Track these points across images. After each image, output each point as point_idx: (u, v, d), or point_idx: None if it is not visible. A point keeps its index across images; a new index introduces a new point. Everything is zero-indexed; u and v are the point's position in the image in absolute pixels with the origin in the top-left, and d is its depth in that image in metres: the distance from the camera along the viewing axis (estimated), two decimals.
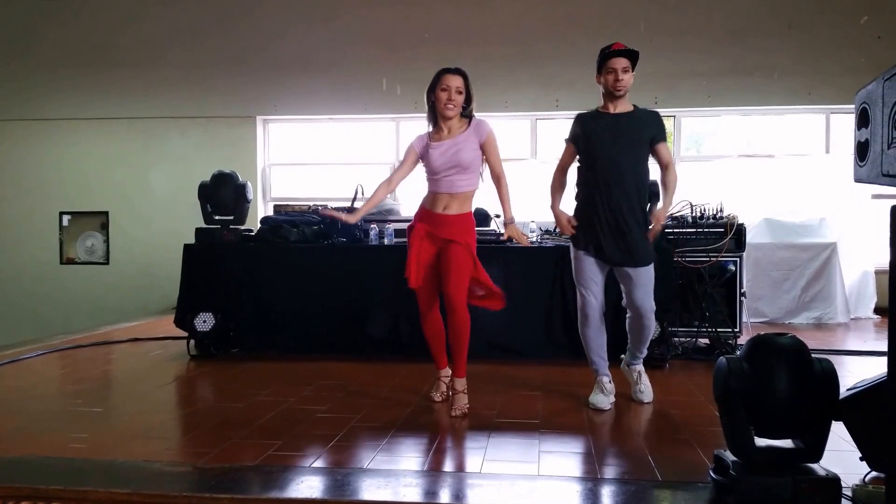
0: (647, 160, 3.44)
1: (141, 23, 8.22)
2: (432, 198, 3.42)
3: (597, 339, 3.52)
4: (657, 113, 3.48)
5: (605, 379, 3.52)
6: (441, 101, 3.33)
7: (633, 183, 3.36)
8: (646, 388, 3.59)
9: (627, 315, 3.55)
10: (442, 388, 3.57)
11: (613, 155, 3.34)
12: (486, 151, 3.38)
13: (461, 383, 3.40)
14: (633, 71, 3.38)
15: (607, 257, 3.39)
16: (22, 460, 2.64)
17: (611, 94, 3.39)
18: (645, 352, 3.64)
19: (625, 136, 3.35)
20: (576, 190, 3.53)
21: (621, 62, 3.33)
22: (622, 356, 3.78)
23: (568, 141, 3.53)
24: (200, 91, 8.21)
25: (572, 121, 3.54)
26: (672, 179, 3.39)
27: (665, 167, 3.41)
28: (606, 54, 3.37)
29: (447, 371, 3.57)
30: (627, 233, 3.34)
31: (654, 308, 3.47)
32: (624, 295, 3.50)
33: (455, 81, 3.34)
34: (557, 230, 3.45)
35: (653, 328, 3.54)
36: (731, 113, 7.93)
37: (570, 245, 3.51)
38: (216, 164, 5.54)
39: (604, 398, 3.46)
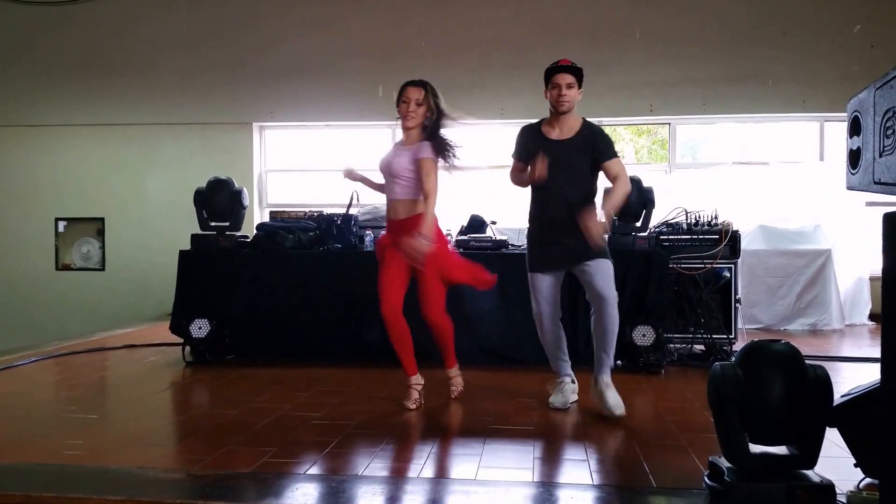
0: (596, 176, 3.50)
1: (137, 30, 8.24)
2: (387, 206, 3.62)
3: (555, 341, 3.59)
4: (601, 131, 3.49)
5: (568, 379, 3.61)
6: (401, 113, 3.50)
7: (580, 202, 3.38)
8: (615, 401, 3.34)
9: (592, 313, 3.46)
10: (414, 395, 3.55)
11: (560, 183, 3.39)
12: (420, 171, 3.44)
13: (454, 371, 3.67)
14: (579, 88, 3.43)
15: (563, 265, 3.48)
16: (15, 467, 2.63)
17: (555, 110, 3.45)
18: (612, 355, 3.47)
19: (571, 167, 3.40)
20: (529, 203, 3.60)
21: (566, 78, 3.40)
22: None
23: (514, 158, 3.60)
24: (197, 97, 8.22)
25: (519, 134, 3.62)
26: (620, 188, 3.37)
27: (614, 180, 3.39)
28: (551, 69, 3.45)
29: (418, 378, 3.59)
30: (577, 235, 3.26)
31: (617, 298, 3.42)
32: (587, 291, 3.47)
33: (414, 94, 3.47)
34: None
35: (617, 320, 3.40)
36: (726, 120, 7.97)
37: (527, 263, 3.57)
38: (212, 171, 5.53)
39: (563, 398, 3.54)
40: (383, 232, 3.77)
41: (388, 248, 3.56)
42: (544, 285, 3.51)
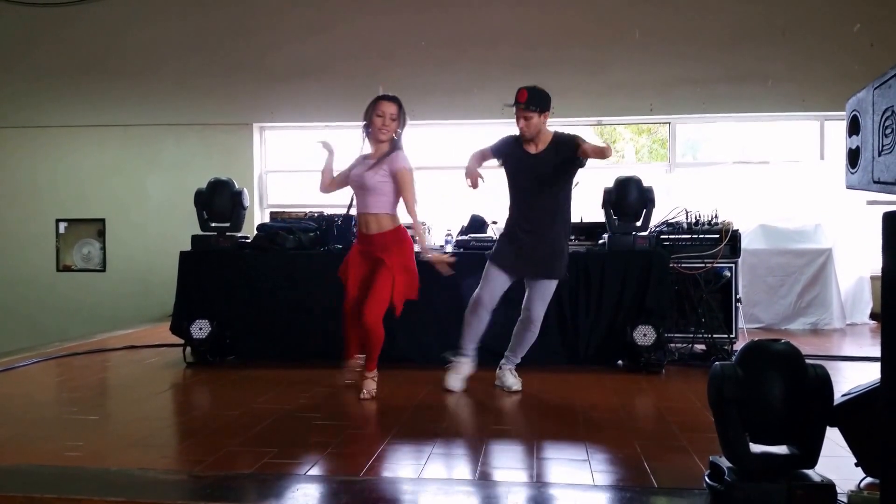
0: (570, 184, 3.81)
1: (138, 31, 8.23)
2: (359, 217, 3.78)
3: (479, 326, 3.83)
4: (563, 136, 3.76)
5: (467, 361, 3.88)
6: (376, 126, 3.64)
7: (551, 215, 3.76)
8: (513, 381, 3.89)
9: (520, 318, 3.90)
10: (351, 374, 3.88)
11: (535, 192, 3.74)
12: (398, 184, 3.63)
13: (372, 374, 3.76)
14: (544, 112, 3.68)
15: (521, 273, 3.80)
16: (16, 468, 2.63)
17: (523, 138, 3.74)
18: (520, 357, 3.97)
19: (544, 177, 3.71)
20: (509, 205, 3.91)
21: (524, 113, 3.66)
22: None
23: (487, 147, 3.90)
24: (197, 98, 8.22)
25: (501, 139, 3.89)
26: (597, 147, 3.62)
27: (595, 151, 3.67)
28: (515, 102, 3.69)
29: (358, 360, 3.86)
30: (542, 251, 3.73)
31: (541, 320, 3.85)
32: (525, 301, 3.86)
33: (390, 108, 3.64)
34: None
35: (535, 337, 3.89)
36: (726, 120, 7.97)
37: (489, 254, 3.89)
38: (213, 172, 5.54)
39: (458, 379, 3.84)
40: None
41: (359, 257, 3.77)
42: (497, 280, 3.79)
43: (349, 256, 3.84)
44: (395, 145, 3.67)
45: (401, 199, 3.68)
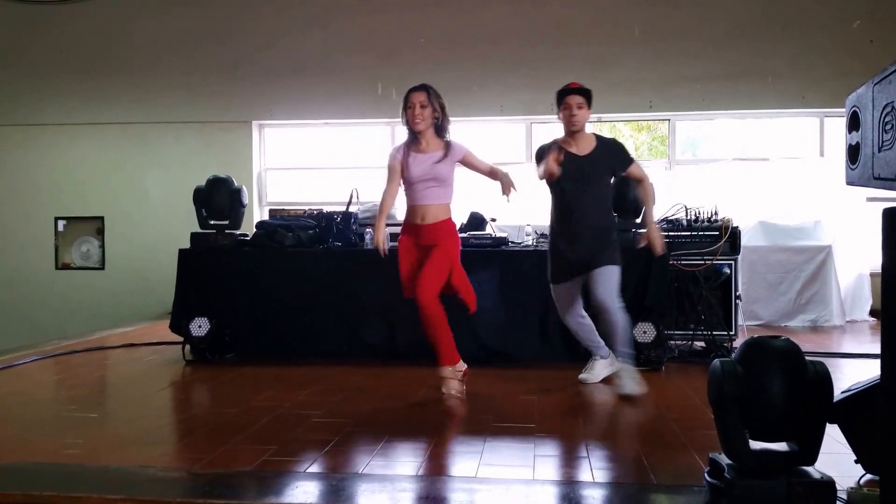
0: (610, 185, 3.92)
1: (136, 28, 8.22)
2: (411, 210, 3.72)
3: (582, 334, 3.92)
4: (616, 143, 3.85)
5: (597, 357, 3.93)
6: (410, 118, 3.63)
7: (598, 212, 3.80)
8: (632, 383, 3.69)
9: (596, 315, 3.85)
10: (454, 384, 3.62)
11: (580, 196, 3.74)
12: (471, 163, 3.72)
13: (449, 369, 3.60)
14: (589, 108, 3.73)
15: (579, 272, 3.78)
16: (15, 466, 2.62)
17: (568, 129, 3.75)
18: (628, 347, 3.80)
19: (591, 179, 3.75)
20: (550, 213, 3.95)
21: (576, 99, 3.69)
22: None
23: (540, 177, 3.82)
24: (196, 96, 8.21)
25: (536, 154, 3.91)
26: (648, 192, 3.84)
27: (639, 182, 3.89)
28: (562, 92, 3.72)
29: (460, 365, 3.66)
30: (593, 244, 3.73)
31: (617, 304, 3.70)
32: (591, 295, 3.79)
33: (418, 98, 3.61)
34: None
35: (623, 322, 3.73)
36: (726, 116, 7.96)
37: (549, 278, 3.93)
38: (212, 169, 5.53)
39: (589, 374, 3.92)
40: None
41: (411, 249, 3.69)
42: (565, 295, 3.87)
43: (400, 251, 3.72)
44: (444, 135, 3.68)
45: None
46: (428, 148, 3.66)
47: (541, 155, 3.80)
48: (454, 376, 3.62)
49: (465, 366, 3.69)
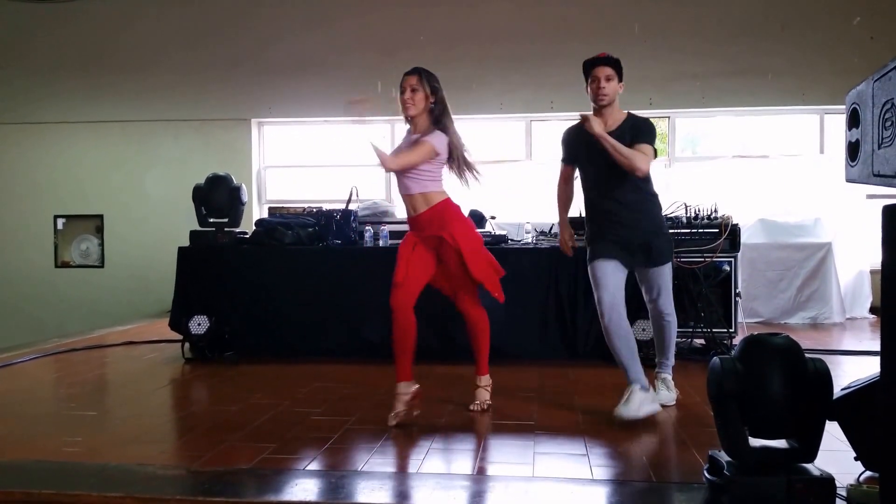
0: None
1: (135, 26, 8.20)
2: (405, 203, 3.41)
3: (627, 338, 3.25)
4: (643, 121, 3.34)
5: (636, 387, 3.18)
6: (402, 104, 3.33)
7: (629, 196, 3.30)
8: (666, 392, 3.47)
9: (650, 316, 3.53)
10: (399, 407, 3.18)
11: (606, 177, 3.30)
12: (417, 147, 3.26)
13: (482, 380, 3.44)
14: (619, 80, 3.34)
15: (621, 256, 3.30)
16: (15, 464, 2.62)
17: (595, 104, 3.34)
18: (668, 357, 3.52)
19: (615, 161, 3.23)
20: (583, 204, 3.50)
21: (604, 70, 3.30)
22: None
23: (562, 162, 3.55)
24: (195, 94, 8.19)
25: (561, 139, 3.52)
26: (635, 153, 3.18)
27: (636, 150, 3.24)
28: (589, 62, 3.35)
29: (408, 385, 3.22)
30: (641, 233, 3.30)
31: (672, 308, 3.44)
32: (645, 292, 3.48)
33: (409, 81, 3.32)
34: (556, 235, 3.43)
35: (674, 328, 3.48)
36: (726, 114, 7.94)
37: (589, 259, 3.37)
38: (211, 167, 5.52)
39: (626, 409, 3.11)
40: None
41: (418, 245, 3.34)
42: (606, 271, 3.26)
43: (400, 248, 3.38)
44: (435, 121, 3.31)
45: (442, 175, 3.35)
46: (414, 134, 3.37)
47: (565, 139, 3.49)
48: (485, 387, 3.46)
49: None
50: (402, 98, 3.33)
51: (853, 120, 1.92)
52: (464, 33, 7.66)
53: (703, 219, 4.89)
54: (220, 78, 8.11)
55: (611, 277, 3.25)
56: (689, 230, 4.83)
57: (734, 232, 4.80)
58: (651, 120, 3.39)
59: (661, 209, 3.50)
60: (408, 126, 3.44)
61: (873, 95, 1.78)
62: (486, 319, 3.44)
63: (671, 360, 3.54)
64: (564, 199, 3.60)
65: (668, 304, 3.42)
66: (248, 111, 8.23)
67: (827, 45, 7.29)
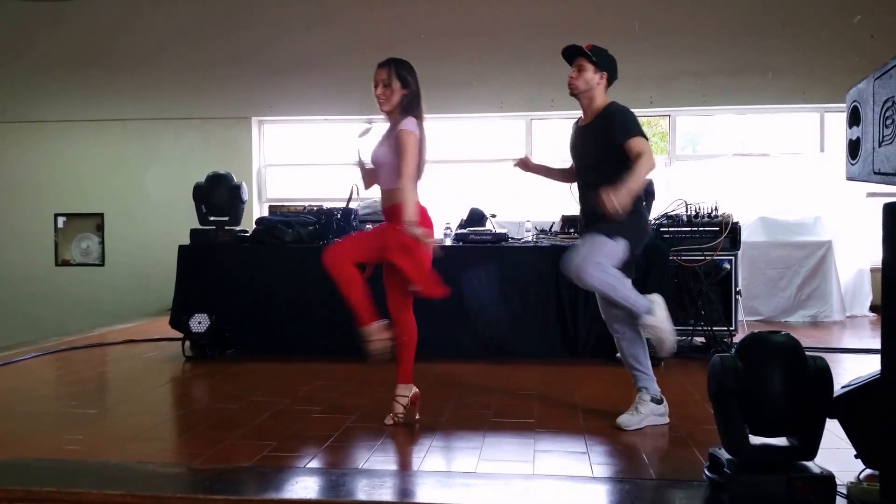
0: (618, 161, 3.06)
1: (135, 25, 8.20)
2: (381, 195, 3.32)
3: (617, 341, 3.17)
4: (618, 111, 3.21)
5: (643, 394, 3.11)
6: (376, 99, 3.23)
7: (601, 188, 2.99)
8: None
9: None
10: (398, 408, 3.11)
11: (582, 172, 3.28)
12: (397, 147, 3.10)
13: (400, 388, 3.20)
14: (599, 69, 3.23)
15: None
16: (15, 462, 2.63)
17: (571, 91, 3.27)
18: (625, 305, 3.07)
19: (592, 150, 3.21)
20: None
21: (576, 61, 3.25)
22: None
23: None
24: (195, 92, 8.19)
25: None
26: (638, 163, 2.97)
27: (636, 159, 3.00)
28: (562, 53, 3.28)
29: (406, 388, 3.16)
30: (593, 225, 3.12)
31: (583, 264, 3.04)
32: None
33: (380, 75, 3.21)
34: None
35: (601, 286, 3.06)
36: (726, 112, 7.94)
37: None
38: (211, 166, 5.52)
39: (627, 418, 3.04)
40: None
41: (384, 231, 3.24)
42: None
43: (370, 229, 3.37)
44: (404, 112, 3.17)
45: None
46: (389, 129, 3.27)
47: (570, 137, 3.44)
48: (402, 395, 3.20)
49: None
50: (375, 92, 3.23)
51: (854, 118, 1.92)
52: (464, 31, 7.65)
53: (703, 217, 4.89)
54: (221, 76, 8.11)
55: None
56: (689, 228, 4.83)
57: (734, 230, 4.80)
58: (624, 106, 3.27)
59: (641, 209, 3.25)
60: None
61: (874, 93, 1.78)
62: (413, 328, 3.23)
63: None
64: (560, 171, 3.54)
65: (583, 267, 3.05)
66: (248, 109, 8.24)
67: (827, 43, 7.28)
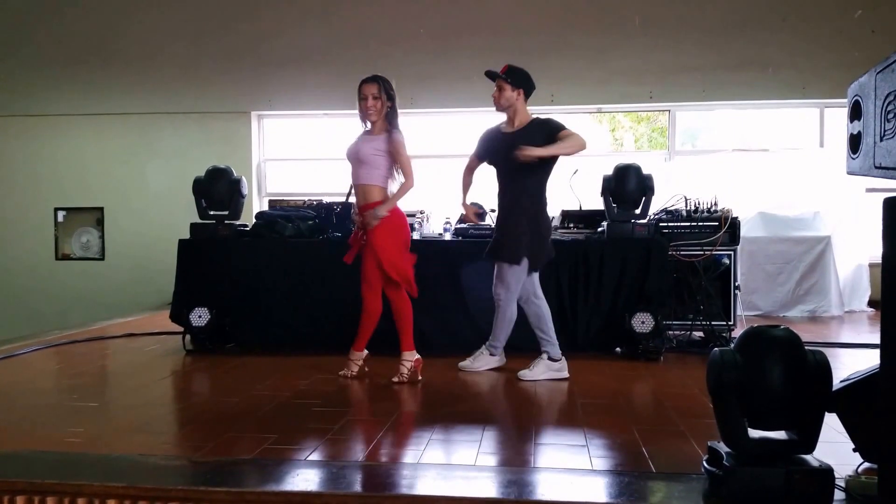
0: (543, 171, 3.79)
1: (136, 19, 8.19)
2: (354, 190, 3.84)
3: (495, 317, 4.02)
4: (546, 120, 3.84)
5: (484, 351, 4.05)
6: (362, 110, 3.73)
7: (517, 195, 3.80)
8: (522, 373, 3.88)
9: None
10: (353, 368, 3.89)
11: (506, 170, 3.81)
12: (393, 156, 3.72)
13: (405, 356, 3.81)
14: (515, 87, 3.83)
15: (489, 257, 3.93)
16: (17, 454, 2.63)
17: (496, 107, 3.89)
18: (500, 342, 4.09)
19: (507, 160, 3.72)
20: None
21: (497, 83, 3.86)
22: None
23: (474, 154, 4.06)
24: (196, 87, 8.19)
25: (480, 135, 4.06)
26: (566, 138, 3.70)
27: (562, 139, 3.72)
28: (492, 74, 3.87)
29: (361, 355, 3.92)
30: (497, 235, 3.90)
31: (503, 298, 3.89)
32: None
33: (370, 89, 3.70)
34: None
35: (504, 320, 3.96)
36: (726, 107, 7.95)
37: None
38: (211, 160, 5.52)
39: (469, 362, 4.02)
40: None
41: (357, 232, 3.86)
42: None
43: (353, 233, 3.95)
44: (390, 125, 3.73)
45: (393, 178, 3.75)
46: (374, 134, 3.78)
47: (483, 137, 4.06)
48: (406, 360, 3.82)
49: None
50: (363, 105, 3.72)
51: (855, 112, 1.93)
52: (464, 26, 7.64)
53: (702, 212, 4.89)
54: (221, 71, 8.10)
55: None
56: (688, 223, 4.84)
57: (734, 225, 4.81)
58: (547, 117, 3.90)
59: (536, 221, 3.82)
60: (365, 127, 3.82)
61: (875, 87, 1.79)
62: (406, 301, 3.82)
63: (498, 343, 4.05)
64: (467, 184, 4.13)
65: (498, 293, 3.90)
66: (248, 104, 8.23)
67: (828, 38, 7.28)
